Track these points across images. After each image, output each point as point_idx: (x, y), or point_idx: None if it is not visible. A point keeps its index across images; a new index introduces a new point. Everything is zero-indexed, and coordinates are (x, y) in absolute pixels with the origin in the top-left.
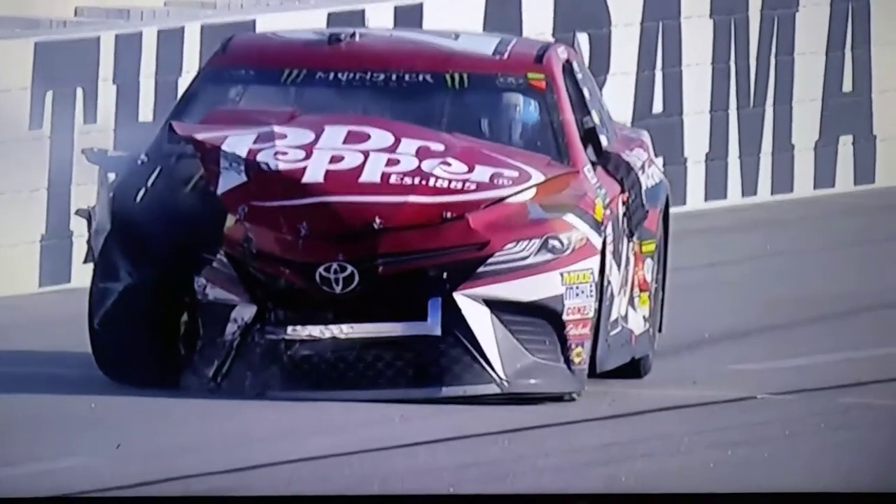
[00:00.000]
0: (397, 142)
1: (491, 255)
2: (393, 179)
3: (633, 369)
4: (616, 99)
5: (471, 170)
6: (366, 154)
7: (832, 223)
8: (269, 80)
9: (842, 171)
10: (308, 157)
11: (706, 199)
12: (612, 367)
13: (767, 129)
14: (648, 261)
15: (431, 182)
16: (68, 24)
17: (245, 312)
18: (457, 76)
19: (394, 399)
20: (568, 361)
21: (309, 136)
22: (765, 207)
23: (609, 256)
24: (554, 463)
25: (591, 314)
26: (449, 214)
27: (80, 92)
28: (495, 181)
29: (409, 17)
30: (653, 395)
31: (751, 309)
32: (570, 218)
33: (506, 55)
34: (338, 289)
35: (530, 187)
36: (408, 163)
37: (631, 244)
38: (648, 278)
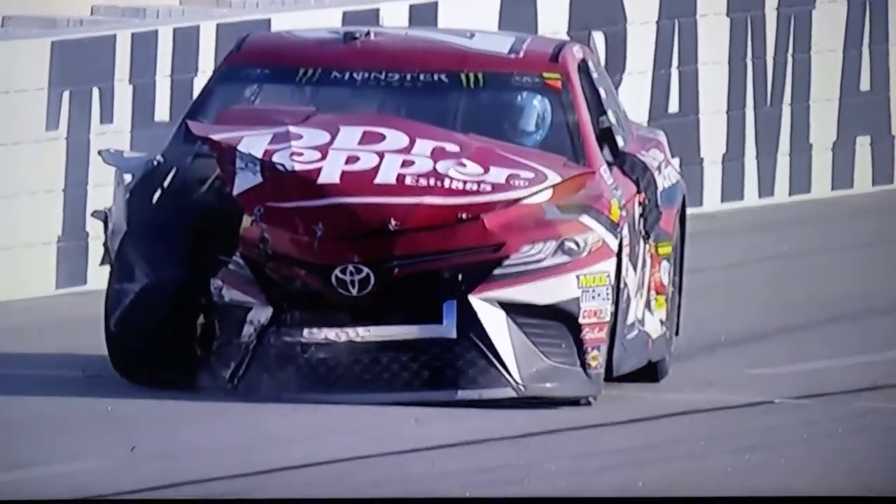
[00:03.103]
0: (412, 143)
1: (506, 257)
2: (408, 181)
3: (649, 373)
4: (632, 98)
5: (486, 171)
6: (381, 155)
7: (850, 224)
8: (284, 79)
9: (860, 172)
10: (324, 157)
11: (723, 199)
12: (629, 371)
13: (785, 129)
14: (665, 263)
15: (447, 183)
16: (84, 22)
17: (261, 314)
18: (472, 75)
19: (409, 402)
20: (584, 365)
21: (324, 136)
22: (782, 208)
23: (625, 258)
24: (569, 467)
25: (608, 317)
26: (464, 216)
27: (96, 92)
28: (511, 182)
29: (423, 15)
30: (669, 398)
31: (768, 311)
32: (586, 219)
33: (521, 54)
34: (354, 291)
35: (546, 188)
36: (423, 164)
37: (647, 246)
38: (665, 281)
